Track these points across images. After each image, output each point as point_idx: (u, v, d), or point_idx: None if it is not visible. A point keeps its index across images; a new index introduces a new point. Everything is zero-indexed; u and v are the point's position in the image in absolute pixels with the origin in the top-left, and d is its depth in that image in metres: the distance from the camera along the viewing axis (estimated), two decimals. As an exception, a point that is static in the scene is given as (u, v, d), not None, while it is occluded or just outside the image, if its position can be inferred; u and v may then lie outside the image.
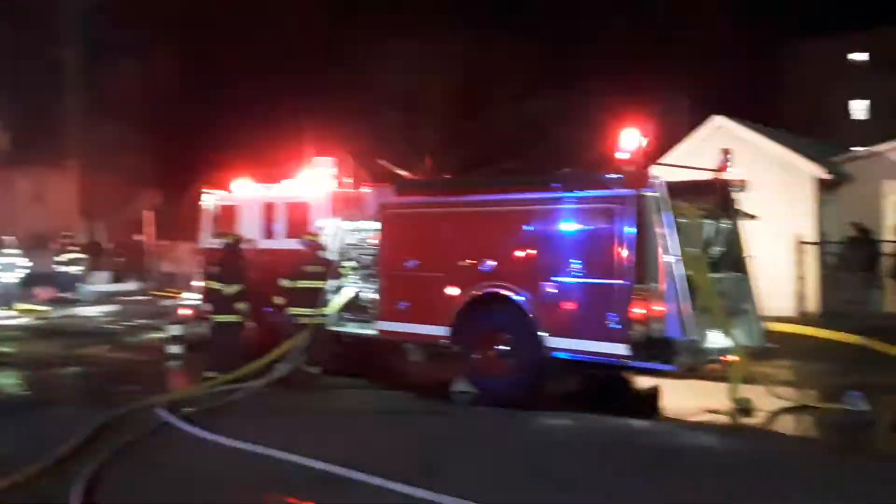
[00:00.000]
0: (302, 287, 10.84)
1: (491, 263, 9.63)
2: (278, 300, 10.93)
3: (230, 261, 11.15)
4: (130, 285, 23.53)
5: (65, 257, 21.76)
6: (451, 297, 9.89)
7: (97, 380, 11.38)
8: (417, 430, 8.38)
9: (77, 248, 22.44)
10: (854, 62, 47.71)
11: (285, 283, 10.91)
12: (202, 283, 11.82)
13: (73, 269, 21.72)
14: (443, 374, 10.46)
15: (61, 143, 28.78)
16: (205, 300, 11.63)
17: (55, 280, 21.18)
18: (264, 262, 12.20)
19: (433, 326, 10.05)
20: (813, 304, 16.90)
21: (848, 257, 14.52)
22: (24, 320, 17.53)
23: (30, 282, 20.15)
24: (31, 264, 20.23)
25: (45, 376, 11.65)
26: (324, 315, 10.94)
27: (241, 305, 10.86)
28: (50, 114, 28.70)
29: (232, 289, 10.77)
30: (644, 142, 8.81)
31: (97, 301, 20.75)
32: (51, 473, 6.56)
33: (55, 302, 20.06)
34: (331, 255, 11.61)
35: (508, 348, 9.48)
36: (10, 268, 19.48)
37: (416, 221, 10.66)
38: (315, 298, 10.84)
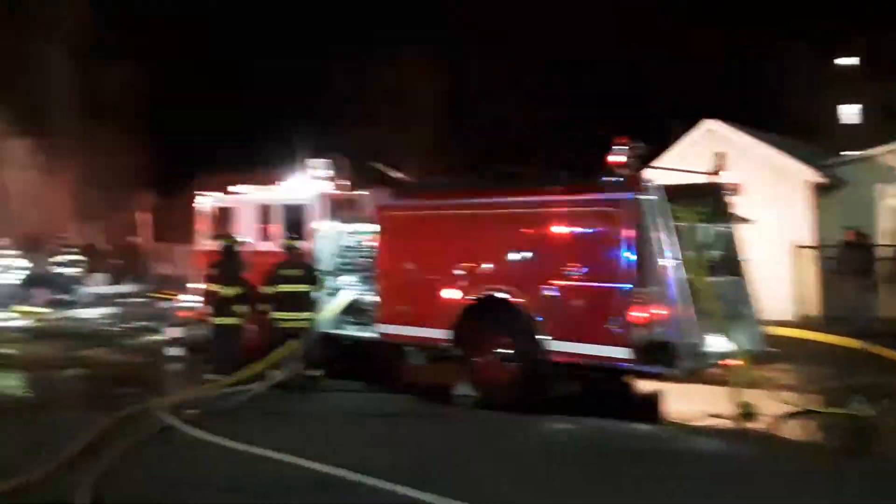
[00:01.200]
0: (283, 291, 10.79)
1: (490, 266, 9.66)
2: (263, 306, 10.90)
3: (227, 263, 11.13)
4: (128, 287, 23.47)
5: (62, 259, 21.72)
6: (451, 301, 9.91)
7: (98, 382, 11.38)
8: (418, 434, 8.38)
9: (74, 250, 22.40)
10: (843, 66, 47.87)
11: (265, 288, 10.88)
12: (201, 285, 11.81)
13: (71, 271, 21.68)
14: (444, 377, 10.49)
15: (54, 145, 28.69)
16: (205, 302, 11.63)
17: (53, 282, 21.12)
18: (260, 264, 12.19)
19: (433, 329, 10.06)
20: (813, 307, 16.95)
21: (844, 262, 14.58)
22: (23, 322, 17.49)
23: (28, 284, 20.13)
24: (29, 266, 20.23)
25: (46, 378, 11.64)
26: (311, 319, 10.88)
27: (240, 308, 10.84)
28: (44, 115, 28.58)
29: (231, 291, 10.76)
30: (639, 145, 8.87)
31: (95, 303, 20.69)
32: (55, 477, 6.57)
33: (54, 304, 20.01)
34: (326, 257, 11.61)
35: (509, 352, 9.51)
36: (7, 269, 19.47)
37: (415, 224, 10.66)
38: (298, 302, 10.78)
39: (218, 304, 10.90)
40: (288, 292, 10.75)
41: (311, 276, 11.00)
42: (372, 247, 11.16)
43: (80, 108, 28.95)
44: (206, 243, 13.15)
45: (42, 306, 19.51)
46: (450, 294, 9.90)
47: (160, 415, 8.47)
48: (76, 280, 21.79)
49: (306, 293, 10.83)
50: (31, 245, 21.98)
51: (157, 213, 29.38)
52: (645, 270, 8.57)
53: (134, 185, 31.35)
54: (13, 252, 20.02)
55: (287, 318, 10.70)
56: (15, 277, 19.65)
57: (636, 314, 8.42)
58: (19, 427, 8.65)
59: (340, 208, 12.34)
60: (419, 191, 11.85)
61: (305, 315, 10.78)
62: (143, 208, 28.90)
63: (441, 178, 13.37)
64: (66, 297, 20.87)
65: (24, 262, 20.17)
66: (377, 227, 10.95)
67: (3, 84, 25.87)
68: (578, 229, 9.05)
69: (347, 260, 11.71)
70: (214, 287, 10.94)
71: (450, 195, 10.80)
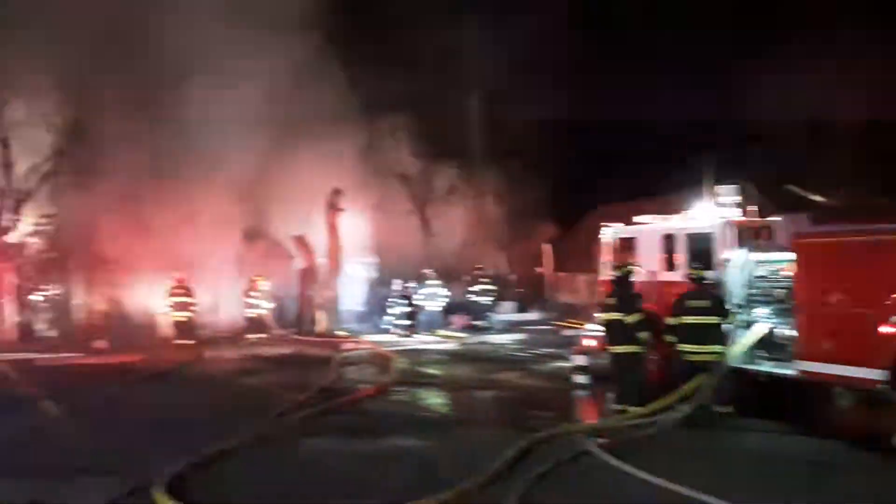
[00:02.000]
0: (689, 323, 10.39)
1: (935, 300, 8.32)
2: (669, 337, 10.65)
3: (624, 291, 11.14)
4: (534, 315, 24.84)
5: (477, 288, 23.76)
6: (888, 337, 8.72)
7: (511, 404, 12.11)
8: (848, 486, 7.57)
9: (487, 280, 24.35)
10: None
11: (670, 319, 10.60)
12: (603, 314, 11.97)
13: (483, 299, 23.62)
14: (879, 423, 9.24)
15: (470, 180, 31.43)
16: (606, 331, 11.75)
17: (469, 309, 23.20)
18: (665, 294, 11.98)
19: (866, 369, 8.93)
20: None
21: None
22: (444, 345, 19.47)
23: (449, 310, 22.39)
24: (450, 294, 22.51)
25: (465, 397, 12.74)
26: (720, 353, 10.35)
27: (642, 335, 10.76)
28: (463, 154, 31.50)
29: (632, 318, 10.73)
30: None
31: (505, 329, 22.25)
32: (482, 490, 7.07)
33: (469, 329, 21.97)
34: (736, 288, 11.01)
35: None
36: (433, 297, 21.92)
37: (839, 252, 9.65)
38: (706, 334, 10.31)
39: (615, 332, 10.96)
40: (694, 324, 10.42)
41: (719, 307, 10.53)
42: (788, 276, 10.33)
43: (491, 145, 31.52)
44: (610, 273, 13.33)
45: (459, 331, 21.55)
46: (888, 330, 8.72)
47: (577, 440, 8.69)
48: (488, 307, 23.67)
49: (714, 325, 10.40)
50: (451, 275, 24.40)
51: (557, 244, 30.65)
52: None
53: (537, 217, 33.22)
54: (437, 281, 22.44)
55: (694, 350, 10.37)
56: (439, 305, 22.02)
57: None
58: (443, 440, 9.52)
59: (750, 236, 11.68)
60: (844, 215, 10.73)
61: (713, 348, 10.34)
62: (545, 239, 30.38)
63: (868, 200, 11.94)
64: (479, 322, 22.79)
65: (446, 291, 22.49)
66: (794, 255, 10.12)
67: (430, 125, 29.02)
68: None
69: (760, 290, 10.98)
70: (612, 316, 11.02)
71: (879, 219, 9.58)
